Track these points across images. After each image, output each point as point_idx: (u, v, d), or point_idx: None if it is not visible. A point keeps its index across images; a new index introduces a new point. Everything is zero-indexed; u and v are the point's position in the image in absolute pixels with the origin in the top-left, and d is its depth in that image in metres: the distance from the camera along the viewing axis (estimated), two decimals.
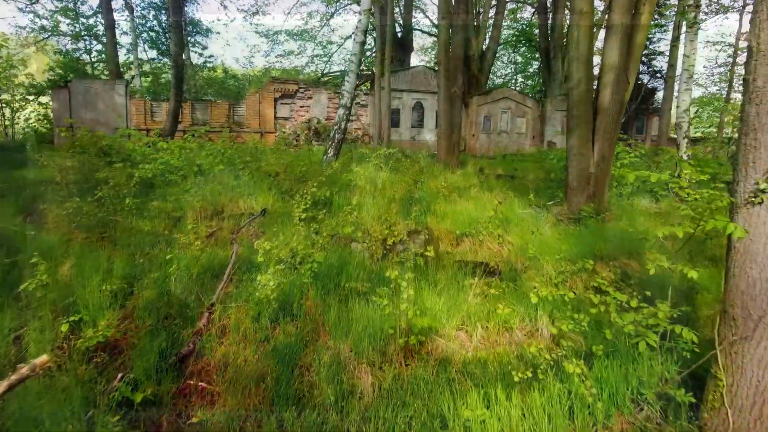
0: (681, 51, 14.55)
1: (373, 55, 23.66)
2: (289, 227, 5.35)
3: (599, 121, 7.73)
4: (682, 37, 15.07)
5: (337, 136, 10.57)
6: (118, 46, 18.99)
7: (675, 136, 12.13)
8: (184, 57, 21.77)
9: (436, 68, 25.67)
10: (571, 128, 7.86)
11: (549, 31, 26.24)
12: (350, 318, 3.15)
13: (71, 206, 6.27)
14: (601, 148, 7.75)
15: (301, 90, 18.88)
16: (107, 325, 3.28)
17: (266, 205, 6.93)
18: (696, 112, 25.73)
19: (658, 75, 25.13)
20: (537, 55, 37.64)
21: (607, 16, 7.65)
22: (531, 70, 39.63)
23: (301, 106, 19.09)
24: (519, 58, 39.07)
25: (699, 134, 27.18)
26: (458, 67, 12.74)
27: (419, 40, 38.75)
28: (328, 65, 26.50)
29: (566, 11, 27.72)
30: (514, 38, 34.23)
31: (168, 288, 4.15)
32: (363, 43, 10.53)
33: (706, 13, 17.65)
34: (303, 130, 18.10)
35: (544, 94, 28.31)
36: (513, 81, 39.07)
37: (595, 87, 8.11)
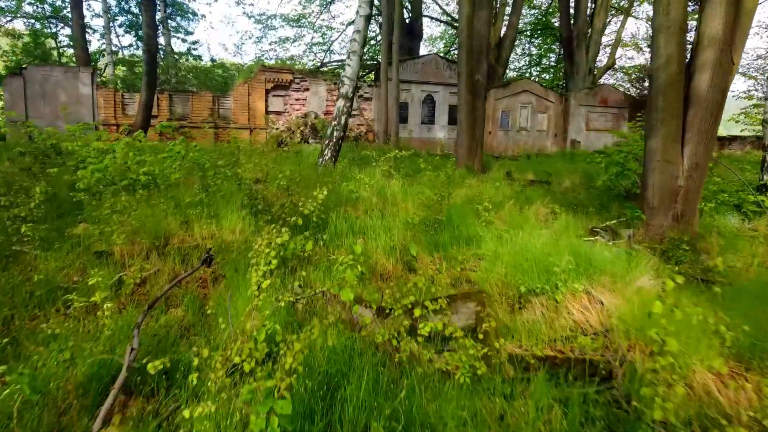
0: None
1: (378, 42, 21.70)
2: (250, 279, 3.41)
3: (692, 116, 5.77)
4: None
5: (335, 133, 8.64)
6: (90, 31, 17.07)
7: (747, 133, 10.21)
8: (164, 43, 19.91)
9: (448, 57, 23.65)
10: (653, 125, 5.90)
11: (572, 20, 24.20)
12: None
13: None
14: (693, 152, 5.80)
15: (296, 80, 16.94)
16: None
17: (233, 230, 5.00)
18: None
19: None
20: (554, 46, 35.66)
21: None
22: (546, 62, 37.58)
23: (296, 99, 17.16)
24: (534, 50, 37.01)
25: (747, 132, 25.04)
26: (483, 50, 10.80)
27: (427, 30, 36.74)
28: (327, 54, 24.55)
29: None
30: (531, 27, 32.17)
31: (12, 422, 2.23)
32: (368, 17, 8.58)
33: None
34: (298, 126, 16.17)
35: (565, 87, 26.31)
36: (528, 74, 37.00)
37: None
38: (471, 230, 5.70)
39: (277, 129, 16.31)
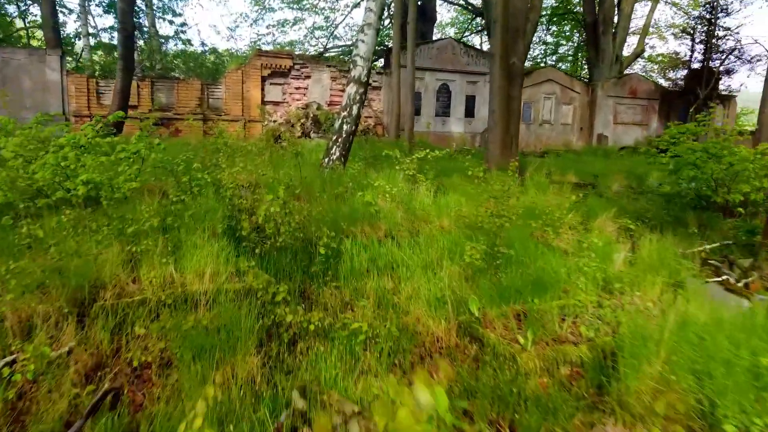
0: None
1: (386, 26, 19.98)
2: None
3: None
4: None
5: (345, 127, 7.02)
6: (65, 11, 15.41)
7: None
8: (148, 24, 18.23)
9: (467, 43, 21.86)
10: None
11: (597, 4, 22.42)
12: None
13: None
14: None
15: (296, 67, 15.26)
16: None
17: (201, 274, 3.38)
18: None
19: (735, 54, 21.27)
20: (570, 33, 33.78)
21: None
22: (562, 50, 35.75)
23: (296, 88, 15.50)
24: (549, 37, 35.12)
25: None
26: (520, 28, 9.15)
27: (437, 17, 34.77)
28: (330, 40, 22.80)
29: None
30: (548, 12, 30.31)
31: None
32: None
33: None
34: (298, 119, 14.52)
35: (588, 77, 24.56)
36: (542, 63, 35.16)
37: None
38: (544, 264, 4.10)
39: (274, 122, 14.67)
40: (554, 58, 35.20)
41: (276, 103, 15.19)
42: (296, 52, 17.29)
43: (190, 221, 4.09)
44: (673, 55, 25.46)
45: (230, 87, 14.34)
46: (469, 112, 17.81)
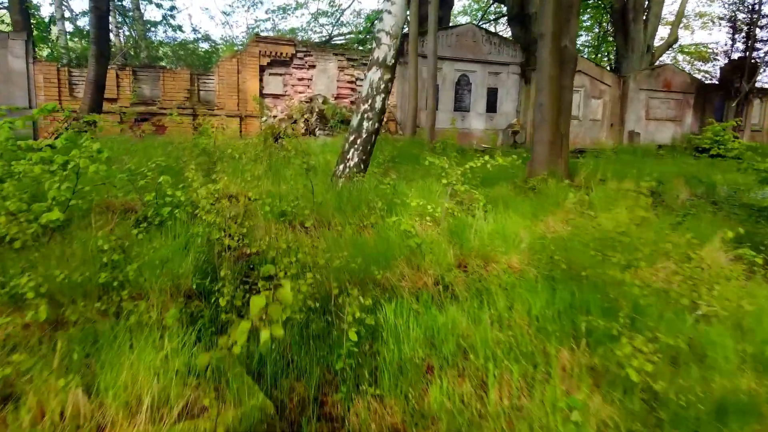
0: None
1: None
2: None
3: None
4: None
5: (365, 123, 5.50)
6: None
7: None
8: (131, 4, 16.69)
9: (488, 29, 20.26)
10: None
11: None
12: None
13: None
14: None
15: (299, 55, 13.73)
16: None
17: (133, 402, 1.88)
18: None
19: None
20: (591, 23, 32.17)
21: None
22: (581, 41, 34.12)
23: (299, 79, 13.97)
24: None
25: None
26: (575, 3, 7.63)
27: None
28: (336, 27, 21.23)
29: None
30: None
31: None
32: None
33: None
34: (302, 114, 13.00)
35: (616, 69, 22.96)
36: None
37: None
38: (701, 343, 2.60)
39: (274, 117, 13.15)
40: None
41: (276, 96, 13.67)
42: (299, 41, 15.75)
43: (139, 277, 2.60)
44: (709, 46, 23.80)
45: (224, 77, 12.82)
46: (491, 107, 16.27)
